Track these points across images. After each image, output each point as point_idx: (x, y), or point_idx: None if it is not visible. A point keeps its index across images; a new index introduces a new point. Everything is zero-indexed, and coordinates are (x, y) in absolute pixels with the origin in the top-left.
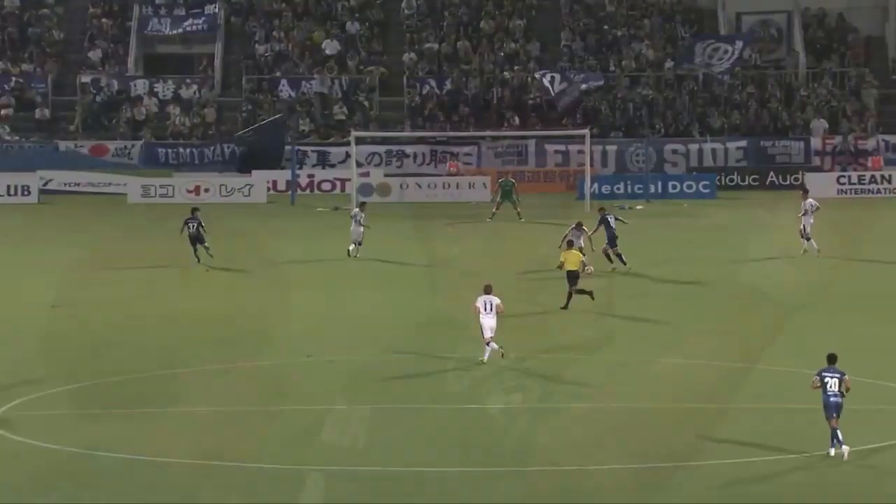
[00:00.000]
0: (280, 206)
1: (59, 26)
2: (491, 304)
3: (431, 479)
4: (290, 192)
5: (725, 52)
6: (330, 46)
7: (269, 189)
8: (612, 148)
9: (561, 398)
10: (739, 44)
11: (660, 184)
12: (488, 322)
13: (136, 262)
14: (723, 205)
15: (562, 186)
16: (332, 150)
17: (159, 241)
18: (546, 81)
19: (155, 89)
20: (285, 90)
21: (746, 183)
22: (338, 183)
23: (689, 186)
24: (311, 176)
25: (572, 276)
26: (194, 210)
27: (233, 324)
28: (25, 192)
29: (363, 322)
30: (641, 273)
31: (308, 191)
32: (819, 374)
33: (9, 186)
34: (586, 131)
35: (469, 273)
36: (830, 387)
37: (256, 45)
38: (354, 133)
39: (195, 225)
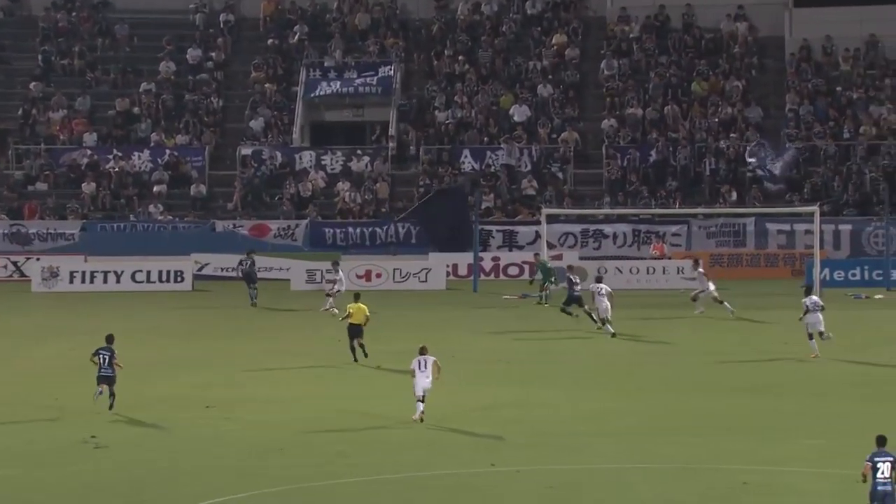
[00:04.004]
0: (461, 294)
1: (217, 93)
2: (426, 363)
3: None
4: (472, 278)
5: None
6: (518, 112)
7: (448, 274)
8: (845, 227)
9: None
10: None
11: None
12: (422, 381)
13: (296, 357)
14: None
15: (786, 271)
16: (521, 229)
17: (323, 334)
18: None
19: (322, 162)
20: (468, 162)
21: None
22: (526, 267)
23: None
24: (495, 259)
25: (356, 330)
26: (250, 252)
27: (408, 426)
28: (178, 279)
29: (552, 426)
30: (878, 371)
31: (492, 276)
32: (870, 458)
33: (161, 272)
34: (815, 208)
35: (683, 370)
36: (882, 473)
37: (436, 112)
38: (546, 210)
39: (248, 263)
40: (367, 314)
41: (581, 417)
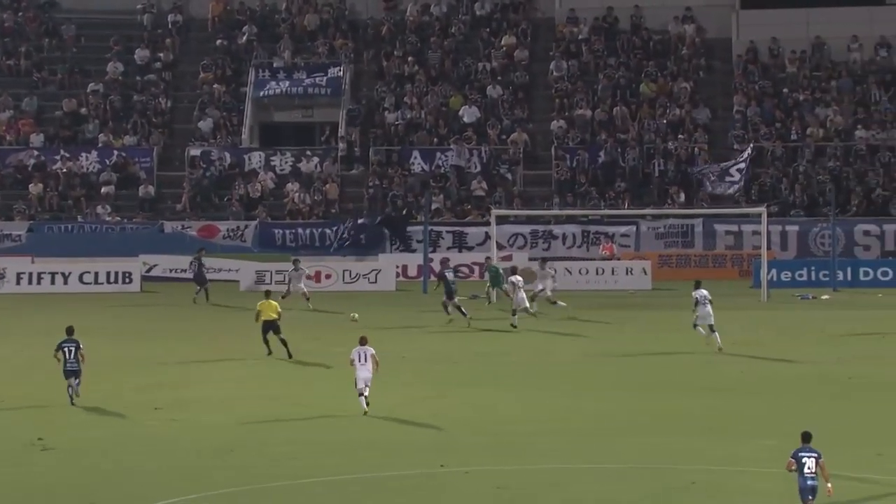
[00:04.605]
0: (411, 295)
1: (166, 94)
2: (365, 356)
3: None
4: (421, 279)
5: None
6: (468, 113)
7: (398, 275)
8: (792, 228)
9: None
10: None
11: (849, 270)
12: (363, 373)
13: (245, 358)
14: None
15: (734, 272)
16: (470, 230)
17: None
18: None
19: (272, 162)
20: (418, 163)
21: None
22: (476, 268)
23: (885, 273)
24: (445, 260)
25: (271, 325)
26: (199, 251)
27: (358, 427)
28: (127, 280)
29: (506, 427)
30: (826, 371)
31: None
32: (795, 454)
33: (108, 273)
34: (763, 209)
35: (631, 369)
36: (808, 468)
37: (386, 113)
38: (495, 211)
39: (196, 265)
40: (279, 310)
41: (530, 417)
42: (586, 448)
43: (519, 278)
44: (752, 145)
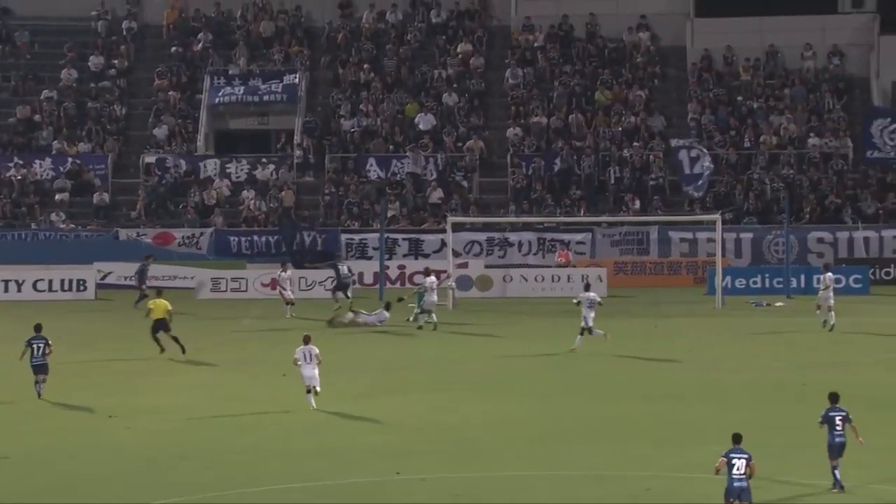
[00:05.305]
0: (367, 302)
1: (120, 101)
2: (310, 355)
3: None
4: (378, 286)
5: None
6: (424, 121)
7: (354, 282)
8: (746, 236)
9: None
10: None
11: (803, 277)
12: (308, 371)
13: (199, 365)
14: (878, 302)
15: (689, 279)
16: (426, 237)
17: (227, 341)
18: (683, 156)
19: (227, 170)
20: (374, 170)
21: None
22: (431, 274)
23: (838, 281)
24: (401, 267)
25: (161, 324)
26: (148, 257)
27: (316, 433)
28: (81, 287)
29: (462, 433)
30: (780, 377)
31: (399, 284)
32: (726, 455)
33: (63, 281)
34: (717, 217)
35: (587, 376)
36: (737, 469)
37: (342, 120)
38: (451, 218)
39: (139, 271)
40: (169, 308)
41: (486, 424)
42: (544, 455)
43: (433, 280)
44: (694, 141)
